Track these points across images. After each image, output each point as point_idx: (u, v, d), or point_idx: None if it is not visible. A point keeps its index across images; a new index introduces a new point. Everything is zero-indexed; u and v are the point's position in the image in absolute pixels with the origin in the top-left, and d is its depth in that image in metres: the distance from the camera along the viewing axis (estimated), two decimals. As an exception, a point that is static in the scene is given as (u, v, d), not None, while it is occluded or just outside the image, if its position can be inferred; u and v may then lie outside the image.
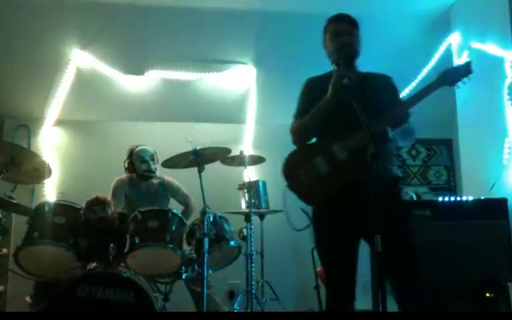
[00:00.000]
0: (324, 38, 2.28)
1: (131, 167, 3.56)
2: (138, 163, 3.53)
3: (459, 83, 2.09)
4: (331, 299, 2.13)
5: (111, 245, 2.68)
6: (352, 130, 2.03)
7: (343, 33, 2.18)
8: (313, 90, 2.24)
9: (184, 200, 3.71)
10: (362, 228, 2.03)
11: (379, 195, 1.74)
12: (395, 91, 2.28)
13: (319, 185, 2.10)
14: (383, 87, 2.24)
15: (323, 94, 2.11)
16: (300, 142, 2.24)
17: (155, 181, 3.63)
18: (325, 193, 2.09)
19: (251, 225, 3.59)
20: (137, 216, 2.74)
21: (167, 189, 3.66)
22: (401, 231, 1.97)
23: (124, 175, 3.61)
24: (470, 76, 2.09)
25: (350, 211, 2.01)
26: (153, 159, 3.57)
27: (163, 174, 3.65)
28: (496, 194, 3.19)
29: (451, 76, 2.08)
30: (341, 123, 2.07)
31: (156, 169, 3.58)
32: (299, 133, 2.22)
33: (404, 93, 4.43)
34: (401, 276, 1.97)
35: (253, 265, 3.55)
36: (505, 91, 3.26)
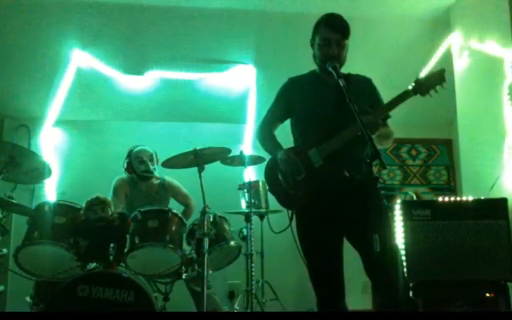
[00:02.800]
0: (313, 37, 2.25)
1: (130, 167, 3.56)
2: (136, 163, 3.53)
3: (431, 91, 2.03)
4: (321, 300, 2.16)
5: (111, 245, 2.68)
6: (328, 135, 2.06)
7: (332, 43, 2.13)
8: (291, 92, 2.29)
9: (184, 200, 3.71)
10: (342, 227, 2.08)
11: (356, 196, 1.77)
12: (374, 94, 2.27)
13: (294, 190, 2.12)
14: (363, 89, 2.23)
15: (301, 95, 2.17)
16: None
17: (155, 181, 3.63)
18: (300, 198, 2.11)
19: (251, 224, 3.59)
20: (137, 216, 2.75)
21: (167, 189, 3.66)
22: (380, 231, 1.95)
23: (124, 175, 3.61)
24: (444, 84, 2.03)
25: (327, 212, 2.05)
26: (151, 160, 3.57)
27: (163, 174, 3.65)
28: (496, 194, 3.19)
29: (424, 84, 2.03)
30: (317, 128, 2.10)
31: (154, 169, 3.58)
32: (259, 141, 2.38)
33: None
34: (379, 275, 1.99)
35: (253, 264, 3.54)
36: (505, 91, 3.26)
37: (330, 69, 2.05)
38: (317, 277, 2.17)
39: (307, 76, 2.30)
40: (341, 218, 2.06)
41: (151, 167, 3.54)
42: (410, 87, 2.05)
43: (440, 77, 2.02)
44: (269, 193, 3.71)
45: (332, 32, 2.13)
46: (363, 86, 2.24)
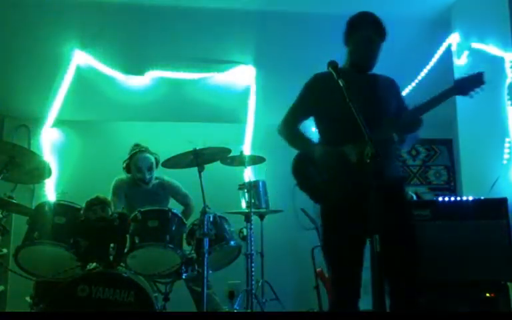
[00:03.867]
0: (350, 33, 2.26)
1: (128, 168, 3.56)
2: (134, 169, 3.51)
3: (472, 93, 2.13)
4: (338, 297, 2.14)
5: (111, 245, 2.68)
6: (362, 133, 2.05)
7: (374, 43, 2.21)
8: (319, 88, 2.27)
9: (183, 200, 3.71)
10: (367, 228, 2.05)
11: (384, 194, 1.77)
12: (400, 95, 2.36)
13: (329, 185, 2.10)
14: (391, 90, 2.31)
15: (331, 92, 2.10)
16: (282, 137, 2.33)
17: (155, 181, 3.63)
18: (335, 193, 2.10)
19: (251, 224, 3.59)
20: (137, 216, 2.74)
21: (167, 189, 3.66)
22: (404, 231, 1.98)
23: (124, 175, 3.60)
24: (483, 87, 2.12)
25: (358, 211, 2.00)
26: (150, 169, 3.52)
27: (163, 174, 3.65)
28: (496, 194, 3.19)
29: (465, 85, 2.12)
30: (350, 125, 2.05)
31: (151, 178, 3.54)
32: (286, 139, 2.32)
33: (404, 93, 4.44)
34: (397, 276, 1.98)
35: (253, 265, 3.54)
36: (505, 91, 3.26)
37: (330, 69, 2.06)
38: (339, 273, 2.15)
39: (330, 73, 2.28)
40: (366, 219, 2.04)
41: (147, 177, 3.51)
42: (452, 86, 2.13)
43: (479, 80, 2.12)
44: (268, 193, 3.69)
45: (375, 33, 2.21)
46: (390, 86, 2.32)
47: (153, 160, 3.55)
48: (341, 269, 2.15)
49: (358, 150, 2.05)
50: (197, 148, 2.85)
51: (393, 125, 2.13)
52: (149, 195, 3.55)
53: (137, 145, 3.57)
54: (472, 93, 2.12)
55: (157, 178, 3.64)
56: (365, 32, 2.21)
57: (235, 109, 4.55)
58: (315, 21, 3.88)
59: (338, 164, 2.08)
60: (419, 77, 4.39)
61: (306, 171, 2.18)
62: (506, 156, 3.24)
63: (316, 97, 2.26)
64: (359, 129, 2.04)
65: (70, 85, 4.22)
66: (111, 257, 2.66)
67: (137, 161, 3.50)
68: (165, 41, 4.16)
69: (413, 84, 4.39)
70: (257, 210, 3.73)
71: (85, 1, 3.77)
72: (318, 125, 2.32)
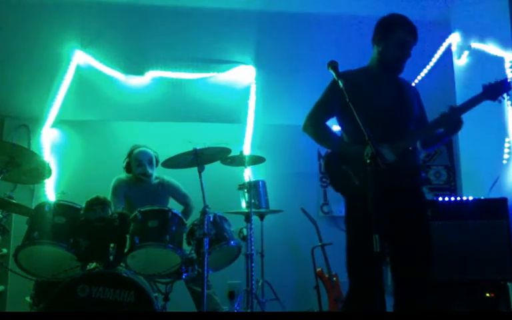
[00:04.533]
0: (385, 32, 2.27)
1: (128, 167, 3.56)
2: (135, 165, 3.52)
3: (501, 98, 2.20)
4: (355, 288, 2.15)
5: (111, 245, 2.68)
6: (396, 135, 2.10)
7: (409, 46, 2.25)
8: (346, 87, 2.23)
9: (183, 199, 3.71)
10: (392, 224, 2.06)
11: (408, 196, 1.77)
12: (420, 100, 2.40)
13: (363, 182, 2.10)
14: (415, 95, 2.36)
15: (360, 91, 2.10)
16: (309, 136, 2.29)
17: (155, 181, 3.63)
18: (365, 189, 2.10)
19: (251, 224, 3.59)
20: (137, 216, 2.74)
21: (166, 189, 3.66)
22: (419, 234, 2.02)
23: (123, 175, 3.60)
24: (510, 93, 2.25)
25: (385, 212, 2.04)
26: (150, 162, 3.54)
27: (163, 174, 3.65)
28: (496, 194, 3.19)
29: (494, 90, 2.20)
30: (381, 125, 2.08)
31: (152, 172, 3.55)
32: (315, 137, 2.28)
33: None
34: (409, 275, 2.01)
35: (253, 265, 3.54)
36: (505, 91, 3.26)
37: (330, 69, 2.06)
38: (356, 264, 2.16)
39: (361, 71, 2.28)
40: (393, 214, 2.06)
41: (149, 171, 3.52)
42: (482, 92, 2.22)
43: (507, 86, 2.20)
44: (268, 193, 3.69)
45: (412, 36, 2.26)
46: (414, 91, 2.38)
47: (153, 154, 3.57)
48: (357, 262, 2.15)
49: (393, 151, 2.08)
50: (197, 148, 2.84)
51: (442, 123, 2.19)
52: (148, 195, 3.55)
53: (135, 145, 3.60)
54: (501, 98, 2.19)
55: (156, 178, 3.64)
56: (403, 34, 2.24)
57: (235, 109, 4.55)
58: (314, 21, 3.89)
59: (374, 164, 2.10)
60: (419, 77, 4.38)
61: (338, 168, 2.18)
62: (506, 156, 3.24)
63: (344, 96, 2.21)
64: (386, 129, 2.08)
65: (70, 84, 4.22)
66: (111, 257, 2.65)
67: (136, 155, 3.52)
68: (165, 41, 4.16)
69: (413, 84, 4.38)
70: (256, 210, 3.73)
71: (85, 1, 3.77)
72: (343, 123, 2.31)
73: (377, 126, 2.07)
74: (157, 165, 3.59)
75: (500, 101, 2.21)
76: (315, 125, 2.29)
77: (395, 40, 2.23)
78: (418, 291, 2.05)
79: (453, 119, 2.19)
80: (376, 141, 2.07)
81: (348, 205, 2.24)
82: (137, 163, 3.51)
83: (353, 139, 2.22)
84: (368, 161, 1.79)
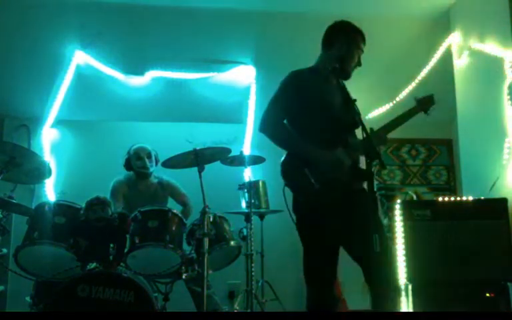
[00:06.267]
0: (346, 41, 2.28)
1: (127, 164, 3.60)
2: (134, 159, 3.57)
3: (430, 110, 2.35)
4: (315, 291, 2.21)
5: (111, 245, 2.68)
6: (346, 137, 2.14)
7: (360, 54, 2.31)
8: (299, 87, 2.24)
9: (182, 199, 3.72)
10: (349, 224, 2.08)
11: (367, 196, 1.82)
12: None
13: (324, 187, 2.09)
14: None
15: (312, 92, 2.16)
16: (269, 137, 2.23)
17: (154, 181, 3.65)
18: (324, 193, 2.09)
19: (251, 225, 3.58)
20: (137, 216, 2.75)
21: (165, 188, 3.68)
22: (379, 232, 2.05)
23: (122, 177, 3.63)
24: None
25: (342, 215, 2.07)
26: (149, 157, 3.59)
27: (163, 174, 3.65)
28: (496, 194, 3.19)
29: (426, 103, 2.34)
30: (332, 128, 2.14)
31: (151, 166, 3.59)
32: (276, 138, 2.21)
33: (404, 93, 4.44)
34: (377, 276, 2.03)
35: (252, 265, 3.54)
36: (505, 91, 3.26)
37: (330, 69, 2.09)
38: (314, 267, 2.21)
39: (310, 72, 2.27)
40: (351, 215, 2.08)
41: (148, 164, 3.56)
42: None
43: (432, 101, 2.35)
44: (268, 193, 3.71)
45: (363, 44, 2.31)
46: (349, 95, 2.35)
47: (150, 150, 3.62)
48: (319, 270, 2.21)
49: (349, 155, 2.11)
50: (197, 148, 2.85)
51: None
52: (147, 195, 3.56)
53: (134, 143, 3.67)
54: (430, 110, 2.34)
55: (155, 177, 3.66)
56: (358, 42, 2.28)
57: (235, 109, 4.55)
58: (314, 20, 3.89)
59: (334, 168, 2.09)
60: (419, 77, 4.38)
61: (297, 170, 2.14)
62: (506, 156, 3.24)
63: (297, 95, 2.21)
64: (343, 133, 2.12)
65: (70, 84, 4.22)
66: (111, 257, 2.66)
67: (136, 149, 3.59)
68: (165, 41, 4.16)
69: (413, 84, 4.39)
70: (256, 210, 3.73)
71: (85, 1, 3.76)
72: (294, 123, 2.24)
73: (331, 128, 2.14)
74: (156, 164, 3.61)
75: (428, 114, 2.36)
76: (275, 124, 2.21)
77: (352, 46, 2.27)
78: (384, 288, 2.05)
79: (380, 139, 2.25)
80: (330, 144, 2.11)
81: (304, 209, 2.21)
82: (136, 156, 3.56)
83: (310, 140, 2.15)
84: (368, 160, 1.81)
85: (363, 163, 2.06)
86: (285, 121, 2.24)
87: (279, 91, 2.26)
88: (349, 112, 2.02)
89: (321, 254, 2.17)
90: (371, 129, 2.15)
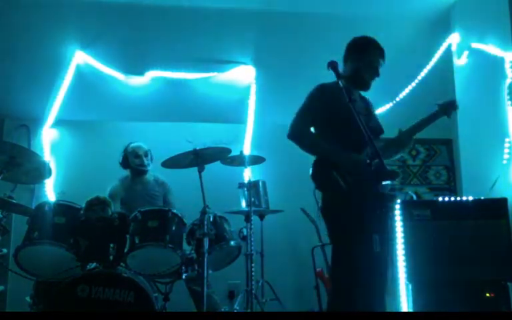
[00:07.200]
0: (360, 54, 2.42)
1: (125, 162, 3.66)
2: (132, 157, 3.64)
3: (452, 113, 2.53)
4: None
5: (111, 245, 2.68)
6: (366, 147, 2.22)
7: (379, 67, 2.43)
8: (327, 99, 2.36)
9: (169, 204, 3.68)
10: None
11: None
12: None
13: (353, 189, 2.18)
14: (373, 108, 2.58)
15: (339, 104, 2.22)
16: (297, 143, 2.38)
17: (150, 178, 3.71)
18: (358, 196, 2.18)
19: (251, 225, 3.59)
20: (137, 216, 2.74)
21: (161, 186, 3.73)
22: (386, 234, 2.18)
23: (116, 181, 3.66)
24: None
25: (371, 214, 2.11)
26: (146, 155, 3.67)
27: (164, 174, 3.67)
28: (496, 194, 3.19)
29: (448, 107, 2.55)
30: (359, 136, 2.16)
31: (148, 164, 3.67)
32: (304, 144, 2.37)
33: (404, 93, 4.44)
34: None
35: (253, 265, 3.55)
36: (505, 91, 3.26)
37: (330, 69, 2.12)
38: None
39: (336, 86, 2.35)
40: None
41: (146, 162, 3.65)
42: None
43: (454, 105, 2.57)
44: (268, 193, 3.72)
45: (382, 58, 2.44)
46: (371, 105, 2.58)
47: (147, 148, 3.70)
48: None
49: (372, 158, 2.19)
50: (197, 148, 2.85)
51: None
52: (145, 194, 3.60)
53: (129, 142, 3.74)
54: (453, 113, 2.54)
55: (151, 175, 3.74)
56: (377, 56, 2.42)
57: (235, 109, 4.55)
58: (315, 21, 3.89)
59: (363, 171, 2.19)
60: (419, 77, 4.38)
61: (328, 173, 2.25)
62: (506, 156, 3.24)
63: (325, 106, 2.36)
64: (361, 142, 2.16)
65: (70, 84, 4.22)
66: (111, 257, 2.66)
67: (133, 148, 3.67)
68: (164, 41, 4.16)
69: (413, 84, 4.39)
70: (257, 209, 3.73)
71: (85, 1, 3.77)
72: (323, 133, 2.40)
73: (354, 135, 2.19)
74: (151, 161, 3.70)
75: (450, 118, 2.59)
76: (301, 132, 2.38)
77: (371, 62, 2.40)
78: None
79: (406, 140, 2.43)
80: (360, 148, 2.24)
81: (336, 208, 2.30)
82: (134, 155, 3.64)
83: (339, 146, 2.30)
84: (368, 160, 1.83)
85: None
86: (312, 129, 2.41)
87: (306, 102, 2.42)
88: (372, 121, 2.26)
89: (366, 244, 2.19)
90: (399, 130, 2.37)
